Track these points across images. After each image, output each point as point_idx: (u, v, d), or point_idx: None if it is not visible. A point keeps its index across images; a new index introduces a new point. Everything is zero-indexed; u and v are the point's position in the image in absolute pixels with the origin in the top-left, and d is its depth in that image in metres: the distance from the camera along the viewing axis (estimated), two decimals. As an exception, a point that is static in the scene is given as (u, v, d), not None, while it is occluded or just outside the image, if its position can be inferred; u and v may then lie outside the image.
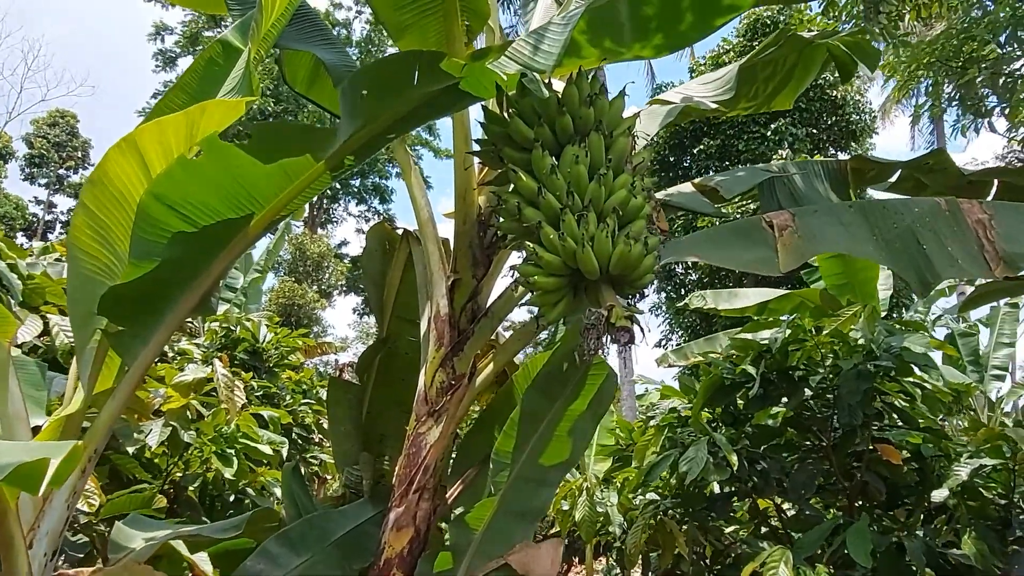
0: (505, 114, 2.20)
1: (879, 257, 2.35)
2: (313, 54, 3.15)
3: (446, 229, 3.90)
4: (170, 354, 9.33)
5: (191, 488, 5.60)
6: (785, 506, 5.83)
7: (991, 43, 9.66)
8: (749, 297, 8.03)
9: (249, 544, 2.91)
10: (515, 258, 3.01)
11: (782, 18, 19.41)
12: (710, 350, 7.58)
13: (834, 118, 21.05)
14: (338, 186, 37.02)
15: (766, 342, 5.68)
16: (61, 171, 36.09)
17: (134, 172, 2.02)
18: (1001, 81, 10.73)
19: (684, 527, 5.72)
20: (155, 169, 2.00)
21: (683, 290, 20.68)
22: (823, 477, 5.22)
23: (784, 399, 5.70)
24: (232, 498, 5.97)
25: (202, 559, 2.51)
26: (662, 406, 6.05)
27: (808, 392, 5.51)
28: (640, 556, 5.95)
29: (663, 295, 21.65)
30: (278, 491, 6.35)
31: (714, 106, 3.46)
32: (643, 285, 1.99)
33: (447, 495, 2.91)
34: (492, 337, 3.00)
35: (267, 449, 5.67)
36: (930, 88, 11.23)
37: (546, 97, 1.96)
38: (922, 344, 5.02)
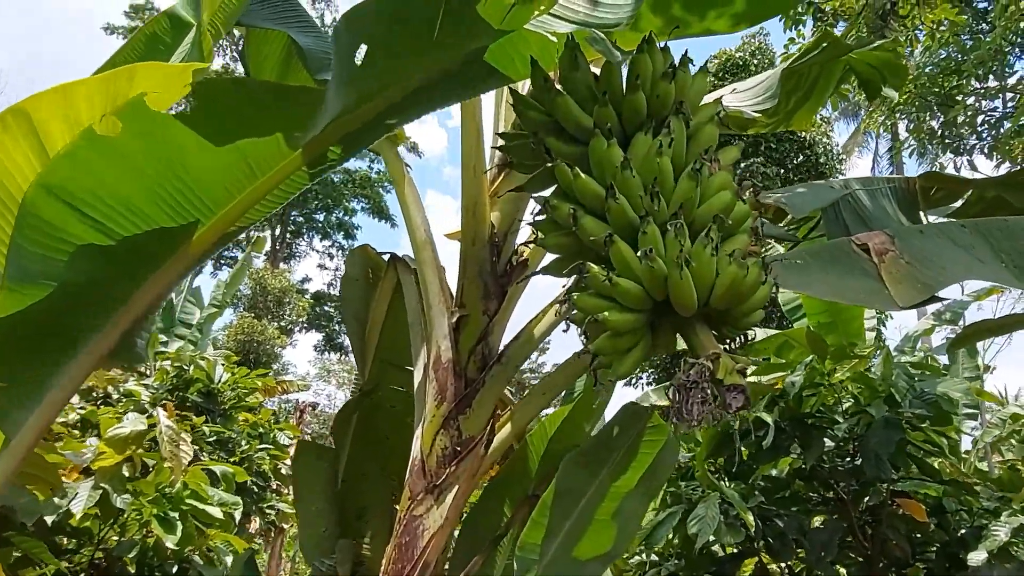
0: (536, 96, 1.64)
1: (1019, 284, 1.85)
2: (285, 40, 2.57)
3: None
4: (115, 396, 8.51)
5: (128, 557, 4.80)
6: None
7: (973, 77, 9.60)
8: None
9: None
10: (531, 291, 2.43)
11: (755, 60, 19.57)
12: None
13: (802, 157, 21.28)
14: (301, 219, 36.20)
15: (776, 384, 5.23)
16: None
17: (25, 157, 1.39)
18: (980, 119, 10.69)
19: (689, 593, 5.12)
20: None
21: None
22: (840, 535, 4.75)
23: (796, 448, 5.24)
24: (175, 568, 5.18)
25: None
26: (659, 456, 5.44)
27: (829, 442, 5.05)
28: (639, 624, 5.30)
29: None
30: (229, 559, 5.55)
31: (755, 115, 2.98)
32: (750, 325, 1.43)
33: (448, 594, 2.27)
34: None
35: (217, 512, 4.91)
36: (911, 125, 11.15)
37: (617, 61, 1.41)
38: (961, 390, 4.56)
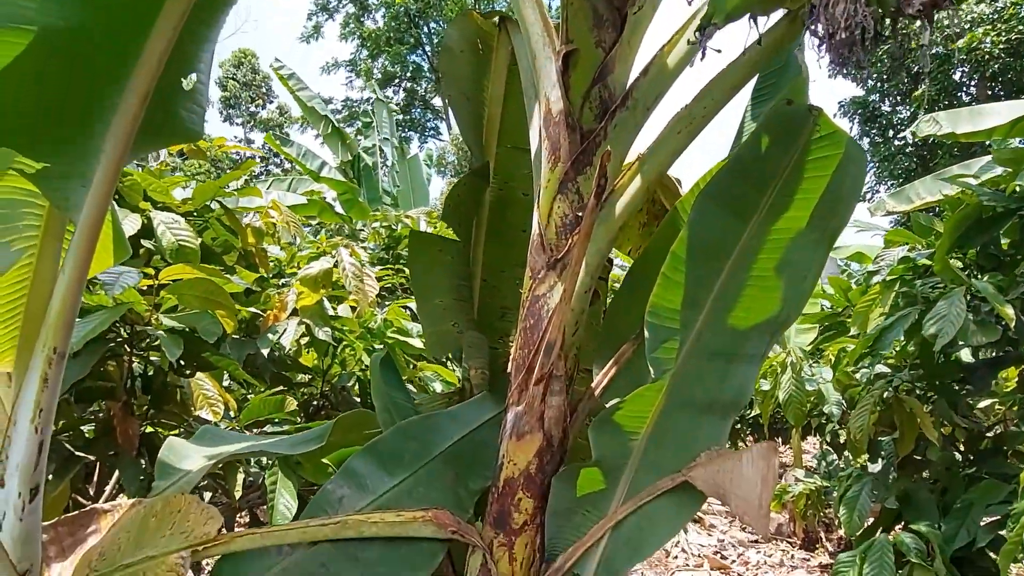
0: None
1: None
2: None
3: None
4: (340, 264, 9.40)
5: (350, 386, 5.28)
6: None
7: None
8: (999, 113, 6.08)
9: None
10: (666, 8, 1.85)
11: None
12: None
13: None
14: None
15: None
16: (252, 108, 38.65)
17: None
18: None
19: (929, 405, 4.41)
20: None
21: (891, 131, 17.34)
22: None
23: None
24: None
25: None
26: (888, 256, 4.60)
27: None
28: (868, 441, 4.73)
29: (866, 140, 18.26)
30: (438, 385, 5.92)
31: None
32: None
33: (592, 385, 1.99)
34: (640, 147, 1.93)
35: (418, 343, 5.17)
36: None
37: None
38: None
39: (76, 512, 1.85)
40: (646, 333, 1.63)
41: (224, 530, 1.73)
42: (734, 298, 1.61)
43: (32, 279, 1.56)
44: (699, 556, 6.50)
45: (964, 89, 16.53)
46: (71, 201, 1.43)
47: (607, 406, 1.75)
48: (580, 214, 1.77)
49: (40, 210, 1.54)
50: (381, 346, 5.01)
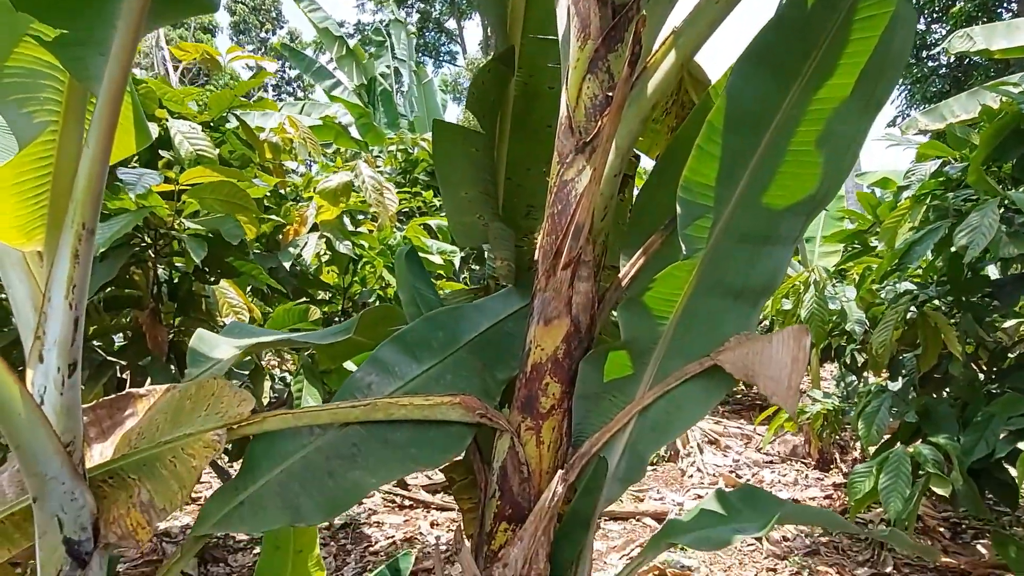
0: None
1: None
2: None
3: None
4: (356, 183, 9.41)
5: (370, 302, 5.33)
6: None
7: None
8: (1037, 29, 5.77)
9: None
10: None
11: None
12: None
13: None
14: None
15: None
16: (262, 35, 37.73)
17: None
18: None
19: (954, 321, 4.36)
20: None
21: (924, 53, 16.61)
22: None
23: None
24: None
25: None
26: (920, 170, 4.46)
27: None
28: (889, 357, 4.70)
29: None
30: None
31: None
32: None
33: (620, 275, 1.97)
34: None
35: (437, 259, 5.17)
36: None
37: None
38: None
39: (113, 396, 1.89)
40: (678, 209, 1.59)
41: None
42: (771, 174, 1.55)
43: (56, 156, 1.54)
44: (714, 476, 6.61)
45: (1004, 5, 15.70)
46: (90, 71, 1.40)
47: (639, 290, 1.73)
48: (610, 94, 1.71)
49: (60, 84, 1.51)
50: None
